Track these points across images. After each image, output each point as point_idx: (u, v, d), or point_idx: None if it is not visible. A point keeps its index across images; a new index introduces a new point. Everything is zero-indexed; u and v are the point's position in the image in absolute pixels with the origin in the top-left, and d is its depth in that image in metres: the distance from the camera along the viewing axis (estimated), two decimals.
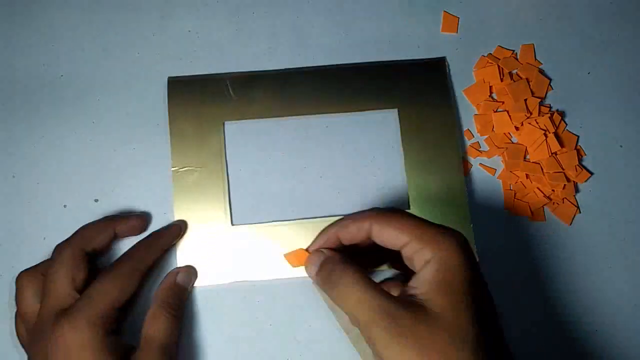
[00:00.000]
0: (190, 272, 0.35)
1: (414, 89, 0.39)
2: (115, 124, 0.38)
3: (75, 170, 0.38)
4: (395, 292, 0.27)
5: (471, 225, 0.36)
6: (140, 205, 0.37)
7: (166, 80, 0.39)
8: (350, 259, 0.29)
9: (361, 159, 0.38)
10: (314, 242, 0.31)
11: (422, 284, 0.26)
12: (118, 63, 0.39)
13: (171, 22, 0.40)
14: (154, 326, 0.32)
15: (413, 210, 0.37)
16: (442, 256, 0.26)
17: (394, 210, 0.29)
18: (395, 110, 0.38)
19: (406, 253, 0.28)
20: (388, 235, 0.28)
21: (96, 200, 0.37)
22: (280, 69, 0.39)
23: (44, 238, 0.36)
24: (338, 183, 0.38)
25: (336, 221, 0.30)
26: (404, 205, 0.37)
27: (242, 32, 0.40)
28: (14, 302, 0.33)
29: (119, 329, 0.33)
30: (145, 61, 0.39)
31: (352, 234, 0.29)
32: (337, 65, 0.39)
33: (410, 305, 0.26)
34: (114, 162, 0.38)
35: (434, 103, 0.38)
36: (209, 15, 0.40)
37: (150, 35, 0.40)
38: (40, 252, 0.36)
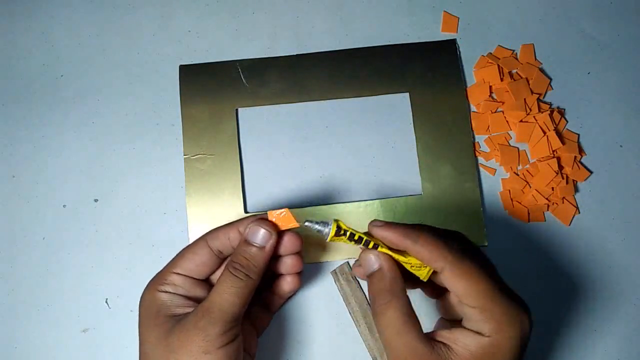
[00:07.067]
0: (263, 227, 0.29)
1: (425, 72, 0.39)
2: (115, 124, 0.38)
3: (75, 170, 0.38)
4: (439, 337, 0.26)
5: (481, 209, 0.37)
6: (141, 203, 0.37)
7: (166, 80, 0.39)
8: (401, 281, 0.27)
9: (374, 143, 0.38)
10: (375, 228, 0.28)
11: (463, 350, 0.25)
12: (118, 63, 0.39)
13: (171, 22, 0.40)
14: (215, 288, 0.28)
15: (425, 195, 0.37)
16: (497, 340, 0.25)
17: (469, 255, 0.26)
18: (407, 94, 0.38)
19: (464, 310, 0.26)
20: (459, 288, 0.26)
21: (96, 200, 0.37)
22: (292, 54, 0.39)
23: (44, 238, 0.36)
24: (351, 168, 0.38)
25: (408, 228, 0.27)
26: (416, 189, 0.37)
27: (242, 32, 0.40)
28: (12, 302, 0.33)
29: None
30: (145, 61, 0.39)
31: (421, 257, 0.27)
32: (348, 49, 0.39)
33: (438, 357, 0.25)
34: (114, 162, 0.38)
35: (445, 85, 0.39)
36: (209, 15, 0.40)
37: (150, 35, 0.40)
38: (40, 252, 0.36)
